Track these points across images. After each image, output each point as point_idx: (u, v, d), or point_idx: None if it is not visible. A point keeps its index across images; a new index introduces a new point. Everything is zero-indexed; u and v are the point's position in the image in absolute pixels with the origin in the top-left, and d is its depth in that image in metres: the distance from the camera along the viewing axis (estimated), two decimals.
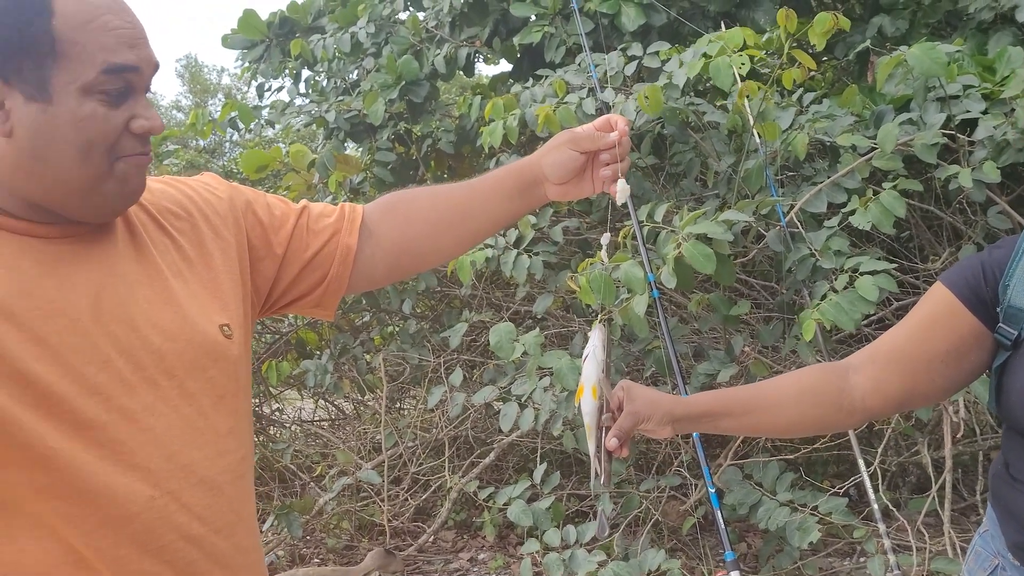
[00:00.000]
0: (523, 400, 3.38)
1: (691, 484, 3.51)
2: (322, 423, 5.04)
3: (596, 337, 1.49)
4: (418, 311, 4.26)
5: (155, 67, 1.12)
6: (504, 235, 3.66)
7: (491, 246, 3.60)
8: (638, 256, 2.98)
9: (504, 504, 3.38)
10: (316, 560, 3.98)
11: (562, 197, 1.44)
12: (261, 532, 3.94)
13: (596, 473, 1.46)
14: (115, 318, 1.10)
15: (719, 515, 2.48)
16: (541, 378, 3.38)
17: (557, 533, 3.20)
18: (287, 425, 4.95)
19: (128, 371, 1.09)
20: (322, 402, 5.16)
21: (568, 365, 3.02)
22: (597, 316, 3.15)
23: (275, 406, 5.02)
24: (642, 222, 3.02)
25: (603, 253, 1.61)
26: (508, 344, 3.11)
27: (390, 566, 3.60)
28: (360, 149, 4.78)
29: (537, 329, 3.21)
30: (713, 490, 2.53)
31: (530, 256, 3.48)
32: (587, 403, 1.45)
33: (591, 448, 1.47)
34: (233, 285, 1.27)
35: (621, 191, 1.42)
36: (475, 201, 1.44)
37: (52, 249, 1.10)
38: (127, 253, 1.17)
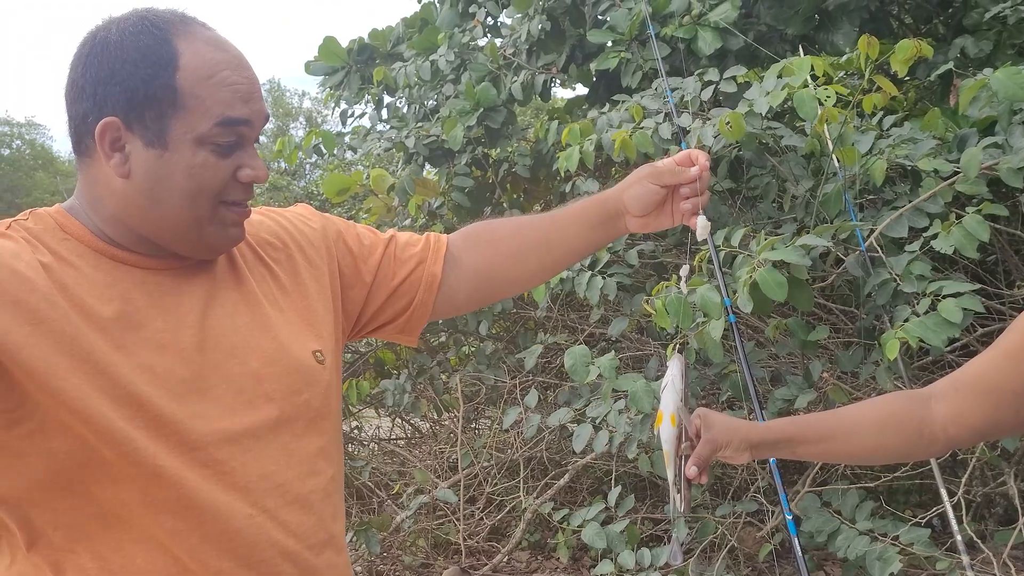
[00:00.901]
0: (597, 422, 3.40)
1: (768, 510, 3.48)
2: (399, 442, 5.13)
3: (674, 366, 1.52)
4: (494, 332, 4.32)
5: (265, 119, 1.20)
6: None
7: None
8: (714, 280, 2.99)
9: (578, 526, 3.40)
10: None
11: (642, 229, 1.48)
12: None
13: (674, 500, 1.48)
14: (217, 346, 1.18)
15: (796, 543, 2.46)
16: (616, 401, 3.40)
17: (631, 556, 3.20)
18: (365, 443, 5.05)
19: (230, 396, 1.16)
20: (399, 421, 5.25)
21: (643, 388, 3.04)
22: (674, 343, 3.16)
23: (354, 424, 5.13)
24: (719, 246, 3.03)
25: (682, 284, 1.64)
26: (583, 367, 3.14)
27: None
28: (438, 173, 4.87)
29: (612, 352, 3.23)
30: (791, 517, 2.52)
31: (604, 278, 3.51)
32: (666, 431, 1.47)
33: (670, 475, 1.50)
34: (325, 312, 1.34)
35: (702, 227, 1.45)
36: (556, 231, 1.49)
37: (159, 280, 1.18)
38: (227, 282, 1.25)
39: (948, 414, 1.41)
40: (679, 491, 1.48)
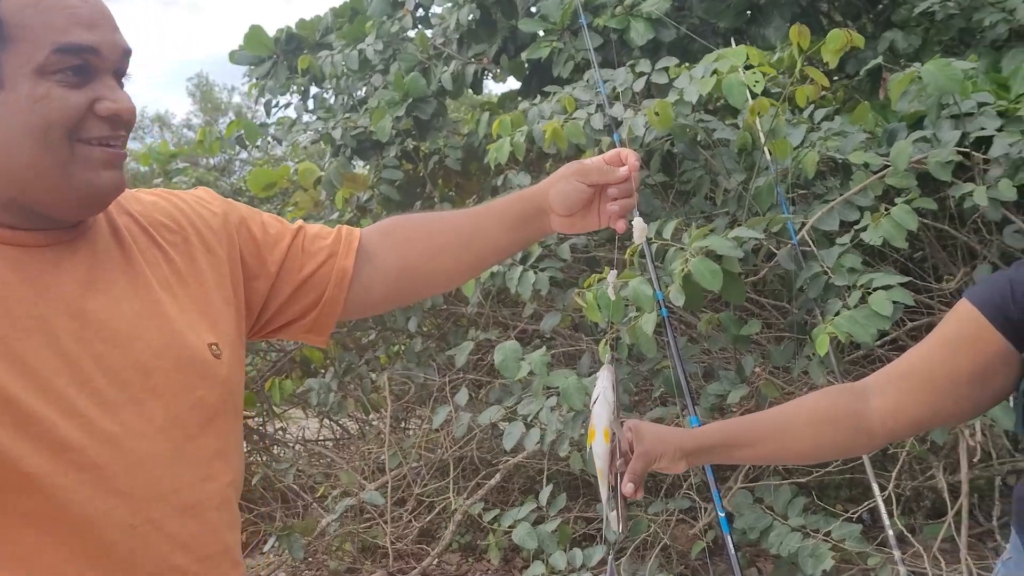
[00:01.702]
0: (529, 420, 3.32)
1: (701, 507, 3.44)
2: (326, 443, 4.99)
3: (605, 378, 1.44)
4: (424, 329, 4.21)
5: (123, 51, 1.07)
6: None
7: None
8: (647, 274, 2.93)
9: (509, 526, 3.31)
10: None
11: (567, 229, 1.41)
12: (263, 553, 3.88)
13: (609, 520, 1.42)
14: (98, 334, 1.05)
15: (729, 540, 2.41)
16: (548, 398, 3.32)
17: (563, 556, 3.13)
18: (290, 444, 4.89)
19: (111, 391, 1.04)
20: (327, 422, 5.10)
21: (575, 384, 2.96)
22: (606, 339, 3.09)
23: (278, 425, 4.97)
24: (651, 239, 2.97)
25: (609, 291, 1.57)
26: (513, 363, 3.06)
27: None
28: (367, 167, 4.75)
29: (544, 348, 3.16)
30: (723, 514, 2.47)
31: (536, 273, 3.43)
32: (599, 447, 1.41)
33: (604, 494, 1.43)
34: (224, 303, 1.22)
35: (639, 230, 1.40)
36: (476, 228, 1.40)
37: (34, 259, 1.05)
38: (113, 263, 1.12)
39: (886, 407, 1.37)
40: (614, 510, 1.41)
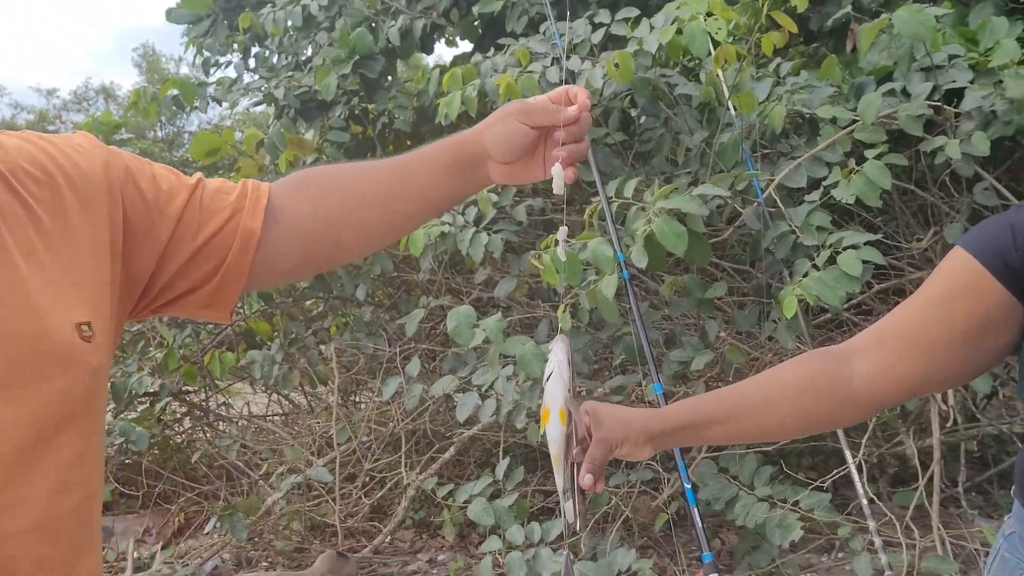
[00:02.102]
0: (484, 390, 3.16)
1: (663, 478, 3.31)
2: (273, 418, 4.79)
3: (560, 349, 1.28)
4: (374, 298, 4.02)
5: None
6: (463, 213, 3.44)
7: (448, 223, 3.38)
8: (606, 235, 2.78)
9: (464, 502, 3.16)
10: (264, 564, 3.74)
11: (508, 179, 1.21)
12: (206, 534, 3.68)
13: (567, 513, 1.27)
14: None
15: (695, 512, 2.28)
16: (504, 367, 3.17)
17: (520, 531, 2.98)
18: (234, 420, 4.68)
19: None
20: (277, 396, 4.90)
21: (532, 351, 2.81)
22: (564, 304, 2.93)
23: (221, 400, 4.76)
24: (611, 198, 2.81)
25: (559, 249, 1.39)
26: (467, 329, 2.89)
27: (343, 570, 3.36)
28: (313, 130, 4.53)
29: (499, 313, 2.99)
30: (689, 485, 2.33)
31: (489, 235, 3.26)
32: (554, 430, 1.25)
33: (560, 484, 1.28)
34: (100, 271, 0.99)
35: (557, 176, 1.17)
36: (404, 179, 1.19)
37: None
38: None
39: (874, 370, 1.22)
40: (574, 503, 1.26)
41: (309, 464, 3.65)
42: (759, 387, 1.30)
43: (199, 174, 1.13)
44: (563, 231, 1.32)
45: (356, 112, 4.48)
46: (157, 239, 1.05)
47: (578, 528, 1.27)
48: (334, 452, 3.51)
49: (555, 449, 1.26)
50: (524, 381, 3.08)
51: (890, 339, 1.23)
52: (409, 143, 4.66)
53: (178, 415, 4.81)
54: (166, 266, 1.06)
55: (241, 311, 4.32)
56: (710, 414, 1.28)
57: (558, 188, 1.18)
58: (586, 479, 1.23)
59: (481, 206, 3.36)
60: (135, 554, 3.87)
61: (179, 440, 4.72)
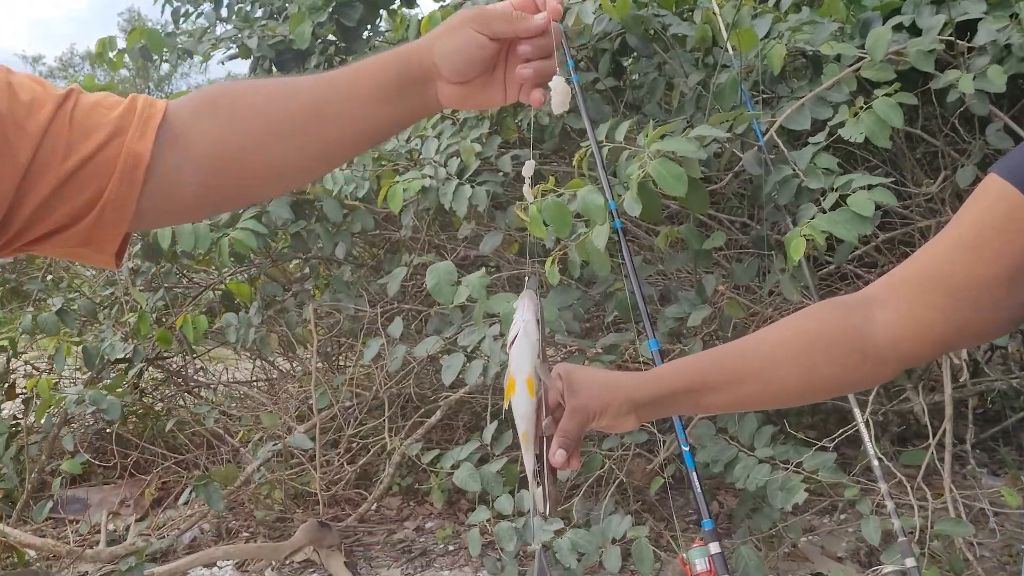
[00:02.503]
0: (470, 351, 2.99)
1: (659, 440, 3.16)
2: (255, 384, 4.62)
3: (526, 307, 1.11)
4: (354, 256, 3.84)
5: None
6: (445, 165, 3.25)
7: (430, 176, 3.20)
8: (597, 182, 2.60)
9: (452, 467, 3.01)
10: (245, 534, 3.59)
11: (461, 104, 1.00)
12: (184, 503, 3.53)
13: (535, 498, 1.10)
14: None
15: (695, 477, 2.13)
16: (490, 326, 3.00)
17: (510, 500, 2.84)
18: (211, 386, 4.52)
19: None
20: (263, 363, 4.73)
21: None
22: (553, 257, 2.76)
23: (199, 366, 4.59)
24: (601, 143, 2.63)
25: (526, 187, 1.21)
26: (448, 287, 2.72)
27: (324, 540, 3.22)
28: None
29: (483, 269, 2.81)
30: (687, 448, 2.18)
31: (473, 187, 3.08)
32: (522, 403, 1.08)
33: (528, 464, 1.10)
34: None
35: (559, 93, 1.00)
36: (336, 101, 0.97)
37: None
38: None
39: (899, 321, 1.02)
40: (541, 485, 1.09)
41: (291, 431, 3.50)
42: (762, 345, 1.11)
43: (75, 84, 0.93)
44: (530, 165, 1.14)
45: (334, 63, 4.28)
46: (14, 161, 0.85)
47: (547, 514, 1.11)
48: (315, 418, 3.36)
49: (523, 425, 1.08)
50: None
51: (916, 283, 1.04)
52: None
53: (157, 382, 4.64)
54: (28, 196, 0.86)
55: (215, 272, 4.14)
56: (706, 379, 1.09)
57: (558, 107, 1.01)
58: (557, 455, 1.05)
59: (464, 157, 3.17)
60: (111, 526, 3.72)
61: (159, 409, 4.56)
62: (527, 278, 1.27)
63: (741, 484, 2.77)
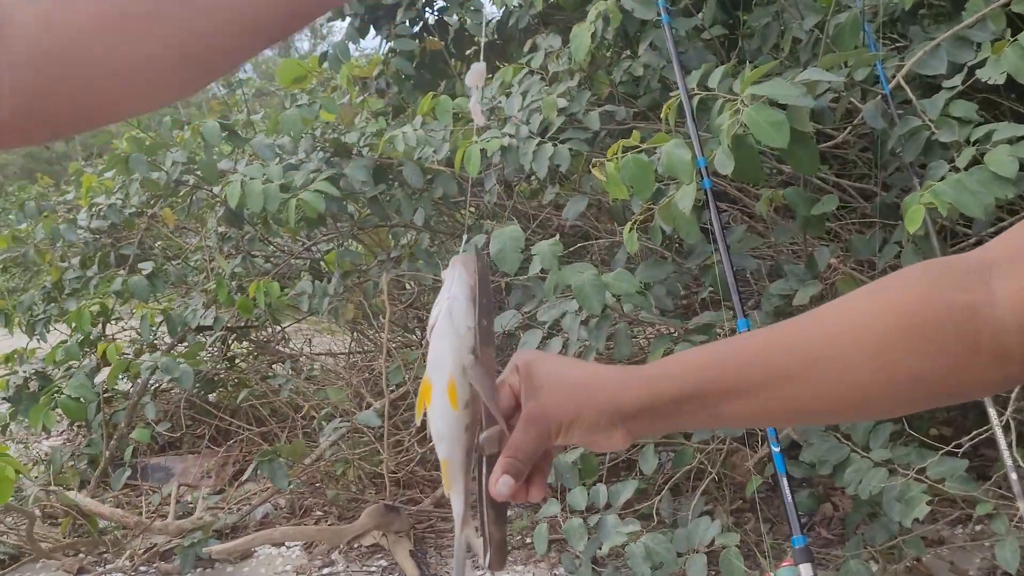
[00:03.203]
0: (548, 328, 2.71)
1: (759, 434, 2.79)
2: (336, 356, 4.46)
3: (457, 277, 0.81)
4: (434, 223, 3.60)
5: None
6: (527, 122, 2.96)
7: (511, 135, 2.91)
8: (685, 135, 2.25)
9: None
10: (319, 513, 3.43)
11: None
12: (252, 479, 3.39)
13: (462, 547, 0.83)
14: None
15: (784, 483, 1.79)
16: (571, 299, 2.71)
17: (583, 493, 2.54)
18: (295, 358, 4.38)
19: None
20: (358, 335, 4.56)
21: (591, 282, 2.33)
22: (633, 221, 2.42)
23: (280, 335, 4.46)
24: (692, 91, 2.28)
25: (472, 103, 0.91)
26: (513, 253, 2.43)
27: (392, 524, 3.00)
28: (380, 39, 4.11)
29: (556, 236, 2.52)
30: (778, 449, 1.83)
31: (555, 145, 2.77)
32: (440, 417, 0.78)
33: (456, 506, 0.82)
34: None
35: (474, 73, 0.88)
36: None
37: None
38: None
39: None
40: (479, 527, 0.81)
41: (369, 407, 3.29)
42: (817, 328, 0.73)
43: None
44: (477, 68, 0.85)
45: (428, 22, 4.06)
46: None
47: (487, 566, 0.81)
48: (385, 398, 3.14)
49: (444, 450, 0.79)
50: (591, 319, 2.61)
51: None
52: (487, 55, 4.19)
53: (248, 353, 4.55)
54: None
55: (305, 241, 3.99)
56: (725, 378, 0.75)
57: (473, 80, 0.89)
58: (500, 484, 0.76)
59: (545, 111, 2.87)
60: (188, 498, 3.63)
61: (250, 380, 4.46)
62: (464, 237, 0.95)
63: (852, 490, 2.38)
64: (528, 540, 3.15)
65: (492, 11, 4.24)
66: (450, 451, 0.79)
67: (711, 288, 2.74)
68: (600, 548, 2.37)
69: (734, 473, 3.12)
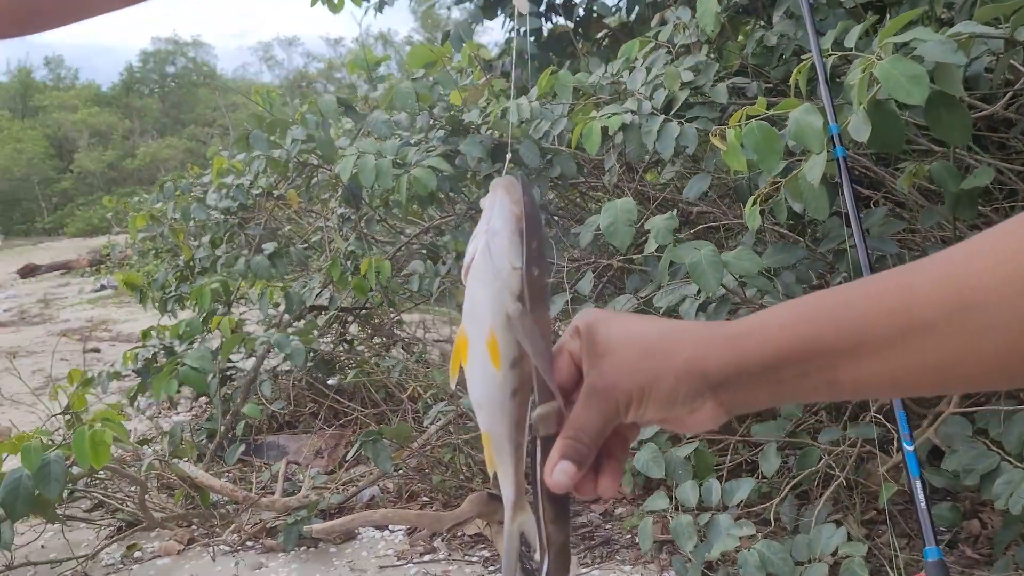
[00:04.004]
0: (663, 313, 2.53)
1: (895, 437, 2.52)
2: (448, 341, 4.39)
3: (497, 206, 0.66)
4: (552, 204, 3.47)
5: None
6: (650, 97, 2.79)
7: (633, 111, 2.75)
8: (817, 101, 2.04)
9: (634, 447, 2.57)
10: (424, 499, 3.35)
11: None
12: (355, 460, 3.33)
13: (527, 536, 0.68)
14: None
15: (918, 487, 1.57)
16: (691, 283, 2.53)
17: (694, 489, 2.36)
18: (410, 342, 4.33)
19: None
20: None
21: (709, 259, 2.14)
22: (756, 196, 2.22)
23: (394, 318, 4.42)
24: (826, 51, 2.07)
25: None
26: (625, 227, 2.27)
27: (496, 514, 2.89)
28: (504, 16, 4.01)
29: (673, 212, 2.34)
30: (911, 447, 1.61)
31: (681, 124, 2.59)
32: (479, 377, 0.64)
33: (504, 485, 0.67)
34: None
35: None
36: None
37: None
38: None
39: None
40: (540, 525, 0.65)
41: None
42: (972, 263, 0.54)
43: None
44: None
45: (556, 3, 3.94)
46: None
47: (542, 567, 0.65)
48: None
49: (485, 419, 0.65)
50: (709, 304, 2.43)
51: None
52: (611, 32, 4.03)
53: (367, 335, 4.55)
54: None
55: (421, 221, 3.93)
56: (843, 334, 0.57)
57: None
58: (558, 472, 0.62)
59: (668, 85, 2.69)
60: (300, 476, 3.63)
61: (367, 362, 4.45)
62: (506, 159, 0.80)
63: (1002, 504, 2.11)
64: (638, 540, 2.98)
65: None
66: (492, 422, 0.65)
67: (845, 275, 2.50)
68: (710, 551, 2.18)
69: (868, 481, 2.86)
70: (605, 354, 0.62)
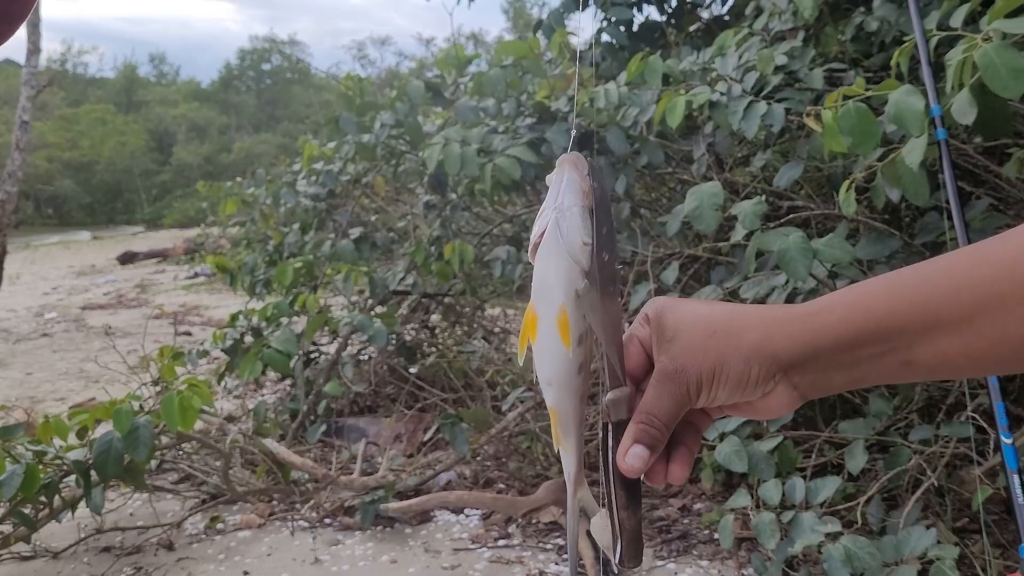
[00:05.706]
0: (748, 303, 2.47)
1: (992, 439, 2.41)
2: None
3: (566, 182, 0.64)
4: (637, 194, 3.42)
5: None
6: (740, 80, 2.72)
7: (722, 92, 2.69)
8: (918, 85, 1.96)
9: (713, 440, 2.52)
10: (501, 485, 3.35)
11: None
12: (443, 447, 3.34)
13: (593, 530, 0.68)
14: None
15: (1015, 481, 1.49)
16: (778, 274, 2.46)
17: (777, 486, 2.30)
18: (491, 329, 4.33)
19: None
20: None
21: (798, 246, 2.08)
22: (849, 181, 2.14)
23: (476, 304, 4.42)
24: (929, 31, 1.98)
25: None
26: (711, 212, 2.22)
27: None
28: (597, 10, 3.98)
29: (760, 197, 2.28)
30: (1009, 440, 1.53)
31: (769, 104, 2.53)
32: (548, 354, 0.64)
33: (569, 467, 0.68)
34: None
35: None
36: None
37: None
38: None
39: None
40: (612, 510, 0.66)
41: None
42: None
43: None
44: None
45: None
46: None
47: (617, 561, 0.65)
48: None
49: (554, 397, 0.65)
50: (797, 295, 2.36)
51: None
52: (706, 23, 3.97)
53: (449, 323, 4.57)
54: None
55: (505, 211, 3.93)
56: (918, 310, 0.55)
57: None
58: (631, 456, 0.62)
59: (761, 67, 2.63)
60: (379, 458, 3.67)
61: (449, 349, 4.47)
62: (571, 133, 0.77)
63: None
64: (716, 536, 2.92)
65: None
66: (560, 398, 0.65)
67: None
68: (793, 547, 2.11)
69: (961, 489, 2.74)
70: (673, 338, 0.62)
